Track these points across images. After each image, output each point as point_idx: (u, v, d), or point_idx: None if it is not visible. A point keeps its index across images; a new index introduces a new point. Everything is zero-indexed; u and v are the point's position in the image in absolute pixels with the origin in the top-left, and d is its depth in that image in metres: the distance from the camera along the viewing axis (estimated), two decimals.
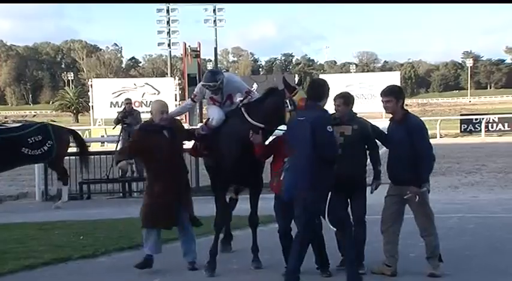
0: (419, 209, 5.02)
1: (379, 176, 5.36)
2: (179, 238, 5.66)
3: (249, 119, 5.43)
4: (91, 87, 37.33)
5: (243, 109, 5.60)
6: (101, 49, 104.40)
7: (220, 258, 5.53)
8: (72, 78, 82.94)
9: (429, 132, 5.74)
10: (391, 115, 5.20)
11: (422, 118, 5.66)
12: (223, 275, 5.35)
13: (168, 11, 41.18)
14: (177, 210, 5.49)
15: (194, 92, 6.29)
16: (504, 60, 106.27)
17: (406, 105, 5.59)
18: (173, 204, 5.44)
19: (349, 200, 5.29)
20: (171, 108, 6.23)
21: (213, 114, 5.92)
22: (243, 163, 5.40)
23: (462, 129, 29.14)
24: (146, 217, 5.59)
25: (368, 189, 5.36)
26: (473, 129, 28.74)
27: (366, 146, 5.33)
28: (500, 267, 5.29)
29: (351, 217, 5.18)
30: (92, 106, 36.41)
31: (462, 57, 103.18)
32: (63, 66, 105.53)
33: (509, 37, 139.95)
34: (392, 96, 5.10)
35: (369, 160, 5.39)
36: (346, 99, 5.35)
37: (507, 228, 6.75)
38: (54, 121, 65.13)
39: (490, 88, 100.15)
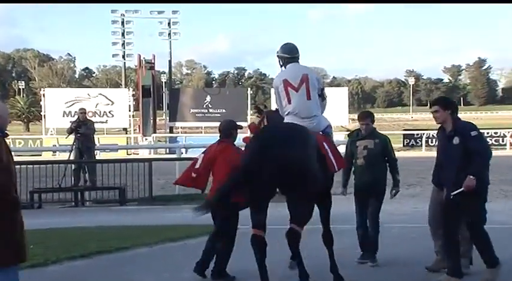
0: None
1: (398, 184, 5.99)
2: None
3: None
4: (43, 96, 36.39)
5: None
6: (53, 59, 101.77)
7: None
8: (23, 87, 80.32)
9: None
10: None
11: None
12: None
13: (123, 23, 40.72)
14: None
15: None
16: (442, 80, 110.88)
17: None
18: None
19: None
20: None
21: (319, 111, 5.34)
22: None
23: (405, 144, 30.16)
24: None
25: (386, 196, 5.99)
26: (415, 144, 29.84)
27: (386, 158, 5.95)
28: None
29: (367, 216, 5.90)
30: (44, 115, 35.46)
31: (405, 76, 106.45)
32: (13, 75, 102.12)
33: (447, 59, 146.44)
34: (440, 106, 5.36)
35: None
36: (373, 118, 6.05)
37: None
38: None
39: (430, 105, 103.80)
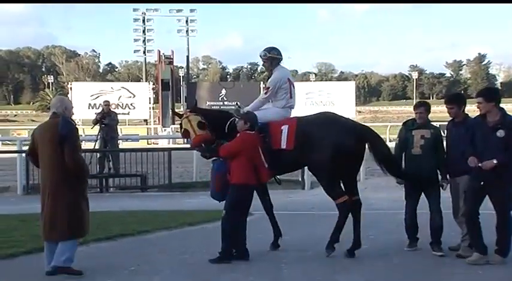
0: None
1: (446, 176, 5.62)
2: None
3: None
4: (71, 89, 36.74)
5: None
6: (79, 55, 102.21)
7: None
8: (52, 81, 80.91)
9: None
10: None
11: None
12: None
13: (144, 21, 40.79)
14: None
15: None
16: (444, 74, 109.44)
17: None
18: None
19: (423, 193, 5.66)
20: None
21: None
22: None
23: None
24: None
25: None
26: None
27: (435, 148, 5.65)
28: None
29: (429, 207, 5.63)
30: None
31: (409, 70, 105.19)
32: (43, 69, 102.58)
33: (448, 54, 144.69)
34: (455, 103, 5.59)
35: None
36: (428, 107, 5.81)
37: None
38: (34, 121, 63.88)
39: (432, 98, 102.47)
